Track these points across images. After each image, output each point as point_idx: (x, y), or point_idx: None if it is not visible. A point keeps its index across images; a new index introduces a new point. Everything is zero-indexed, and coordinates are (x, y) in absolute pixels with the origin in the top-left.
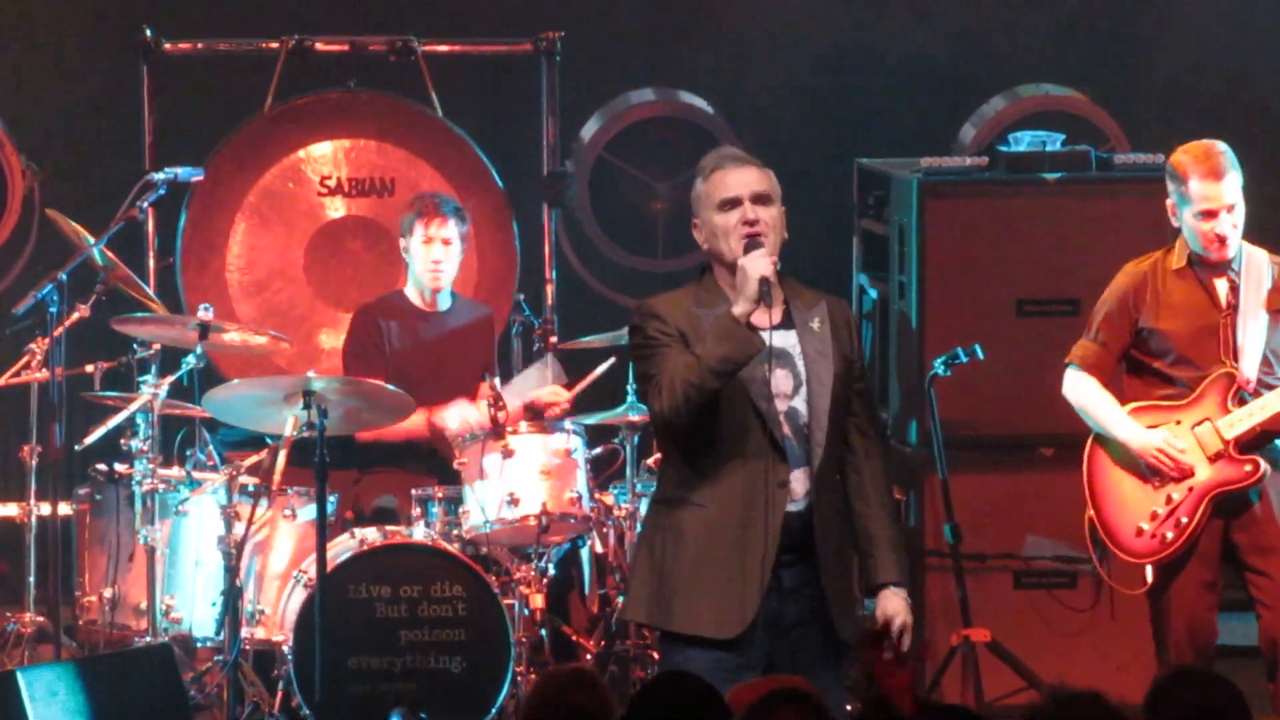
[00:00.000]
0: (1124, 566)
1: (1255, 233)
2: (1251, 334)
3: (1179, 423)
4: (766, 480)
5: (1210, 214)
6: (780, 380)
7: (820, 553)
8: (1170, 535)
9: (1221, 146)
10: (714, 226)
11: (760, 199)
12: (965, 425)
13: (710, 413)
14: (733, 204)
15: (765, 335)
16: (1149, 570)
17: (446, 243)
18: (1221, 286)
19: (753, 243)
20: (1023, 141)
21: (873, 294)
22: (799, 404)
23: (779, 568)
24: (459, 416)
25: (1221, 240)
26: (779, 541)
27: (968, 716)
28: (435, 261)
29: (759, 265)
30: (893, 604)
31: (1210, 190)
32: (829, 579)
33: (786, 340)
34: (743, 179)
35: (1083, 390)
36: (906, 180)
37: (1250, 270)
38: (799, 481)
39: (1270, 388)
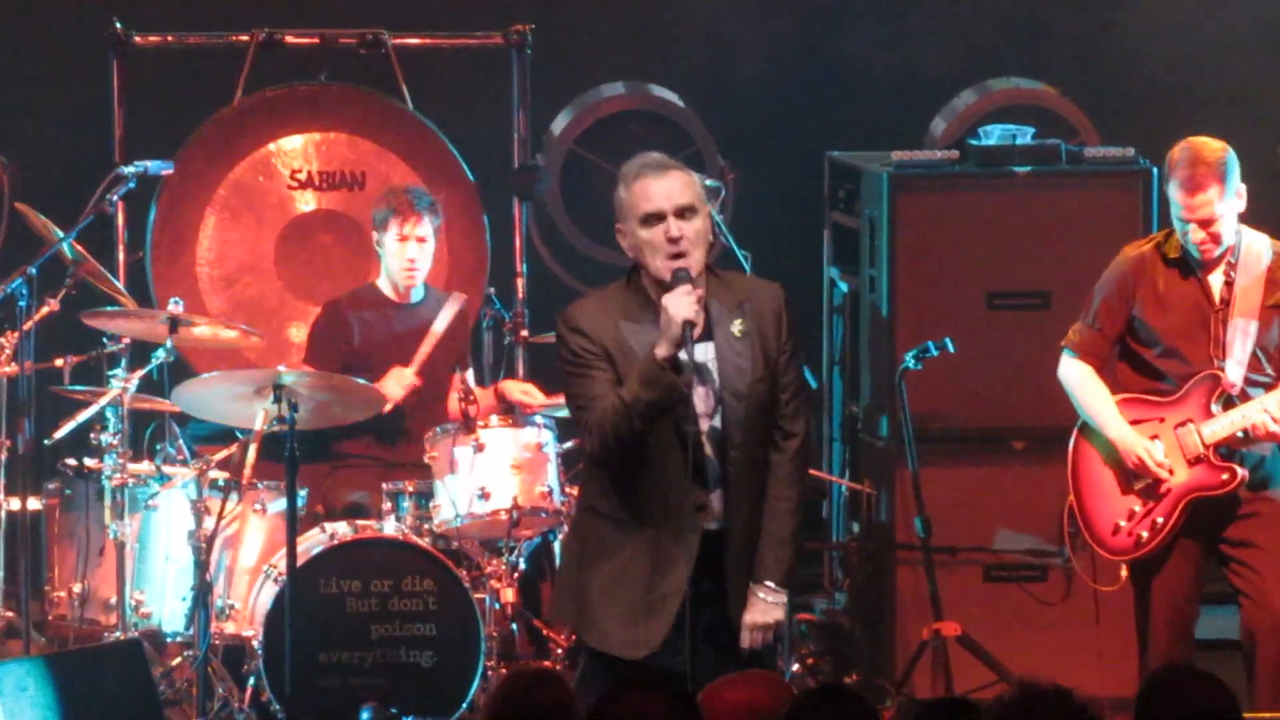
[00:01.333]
0: (1099, 563)
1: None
2: (1241, 333)
3: (1162, 420)
4: (684, 504)
5: (1188, 220)
6: (699, 399)
7: (729, 572)
8: (1145, 535)
9: (1212, 156)
10: (638, 239)
11: (683, 212)
12: (936, 418)
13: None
14: (656, 218)
15: (683, 354)
16: (1123, 569)
17: (421, 240)
18: (1216, 281)
19: (677, 275)
20: (993, 135)
21: (843, 287)
22: (718, 422)
23: (694, 586)
24: (395, 383)
25: (1199, 245)
26: (694, 564)
27: (965, 708)
28: (410, 260)
29: (682, 307)
30: (749, 605)
31: (1186, 201)
32: (735, 599)
33: (705, 354)
34: (665, 190)
35: (1076, 378)
36: (877, 174)
37: (1247, 264)
38: (718, 500)
39: (1258, 386)
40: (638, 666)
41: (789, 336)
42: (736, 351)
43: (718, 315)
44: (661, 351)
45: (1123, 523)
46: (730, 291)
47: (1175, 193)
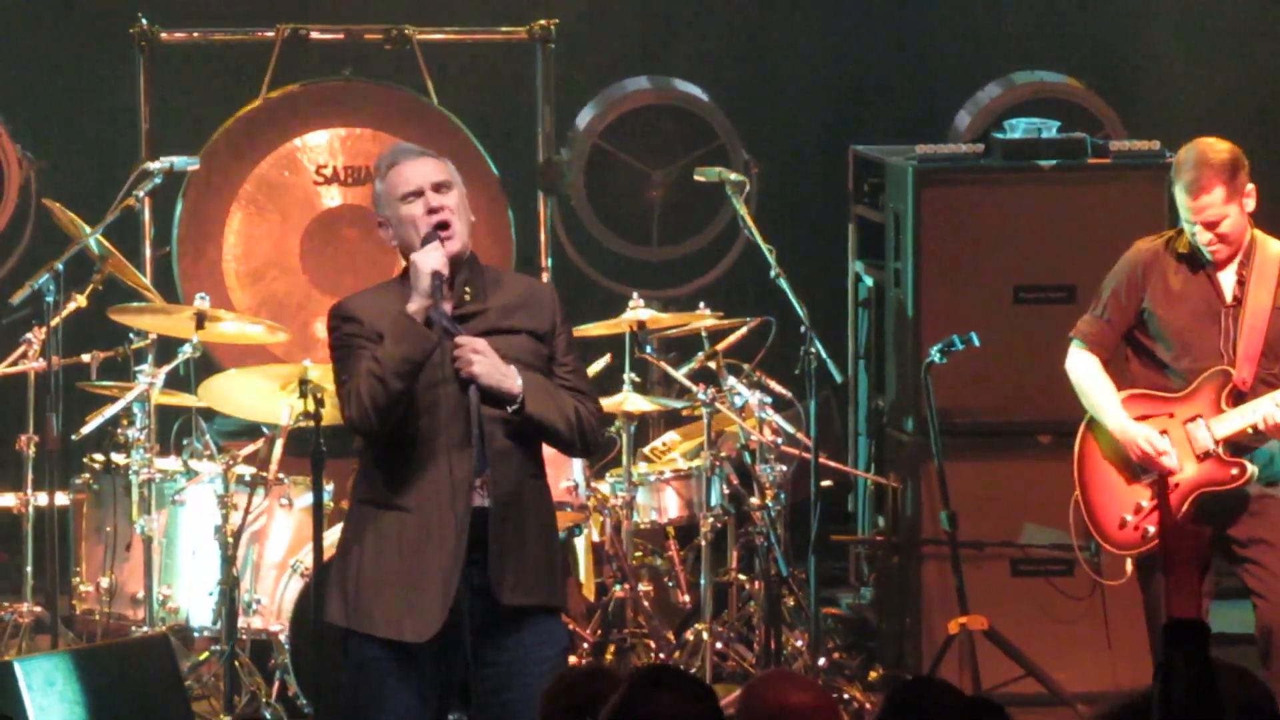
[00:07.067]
0: (1109, 555)
1: (1255, 222)
2: (1253, 330)
3: (1172, 415)
4: (456, 477)
5: (1194, 223)
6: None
7: (490, 550)
8: (1152, 530)
9: (1217, 158)
10: (400, 219)
11: (440, 187)
12: (962, 413)
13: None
14: (415, 195)
15: (439, 321)
16: (1128, 563)
17: None
18: (1227, 279)
19: (429, 235)
20: (1018, 128)
21: (868, 281)
22: (475, 396)
23: (469, 565)
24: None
25: (1208, 246)
26: (468, 538)
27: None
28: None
29: (430, 259)
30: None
31: (1189, 203)
32: (496, 579)
33: (473, 328)
34: (421, 170)
35: (1082, 369)
36: (902, 167)
37: (1261, 264)
38: (483, 476)
39: (1269, 386)
40: (417, 647)
41: (562, 324)
42: (504, 324)
43: (485, 295)
44: (411, 306)
45: (1129, 517)
46: (503, 280)
47: (1180, 195)
